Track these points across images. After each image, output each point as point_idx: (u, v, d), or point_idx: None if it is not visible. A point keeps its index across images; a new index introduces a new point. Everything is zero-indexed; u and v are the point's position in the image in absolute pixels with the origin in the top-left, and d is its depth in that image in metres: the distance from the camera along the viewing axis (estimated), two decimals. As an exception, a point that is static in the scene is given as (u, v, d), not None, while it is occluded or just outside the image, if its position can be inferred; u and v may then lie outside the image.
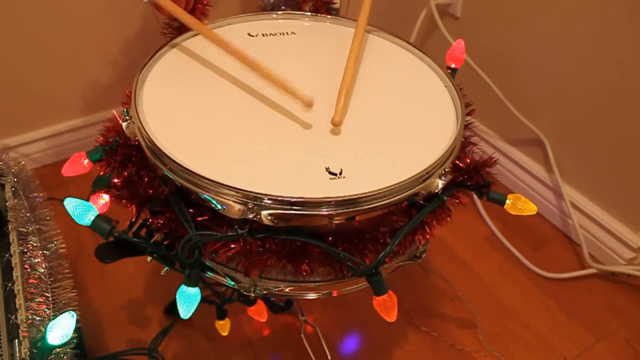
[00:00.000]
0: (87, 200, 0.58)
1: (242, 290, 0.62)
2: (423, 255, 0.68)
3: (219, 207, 0.52)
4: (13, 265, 0.65)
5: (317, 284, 0.61)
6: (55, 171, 1.12)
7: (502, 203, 0.60)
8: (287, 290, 0.62)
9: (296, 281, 0.61)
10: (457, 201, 0.59)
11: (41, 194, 0.77)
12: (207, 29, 0.70)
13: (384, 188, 0.52)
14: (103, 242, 0.58)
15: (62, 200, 0.53)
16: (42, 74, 1.18)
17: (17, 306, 0.61)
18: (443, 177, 0.57)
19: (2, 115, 1.19)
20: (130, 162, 0.59)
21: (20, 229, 0.69)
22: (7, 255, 0.65)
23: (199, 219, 0.55)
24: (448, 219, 0.60)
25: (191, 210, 0.55)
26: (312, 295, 0.64)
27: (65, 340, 0.56)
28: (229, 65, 0.69)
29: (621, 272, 1.11)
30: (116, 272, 1.05)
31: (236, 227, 0.53)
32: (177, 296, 0.54)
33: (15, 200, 0.72)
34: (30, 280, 0.64)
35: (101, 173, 0.61)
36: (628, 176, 1.07)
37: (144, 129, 0.57)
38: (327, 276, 0.57)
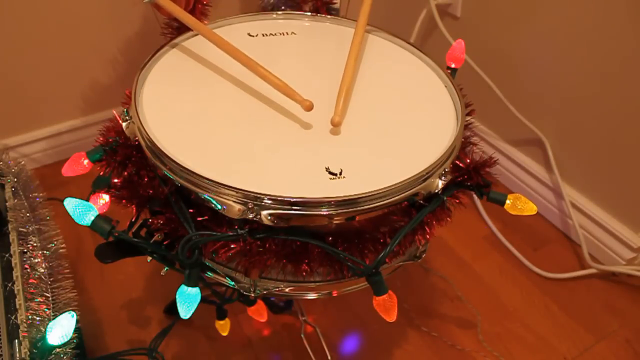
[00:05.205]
0: (87, 200, 0.58)
1: (242, 290, 0.62)
2: (423, 255, 0.68)
3: (219, 207, 0.52)
4: (13, 265, 0.65)
5: (317, 284, 0.61)
6: (55, 171, 1.12)
7: (502, 203, 0.60)
8: (287, 290, 0.62)
9: (296, 281, 0.61)
10: (457, 201, 0.59)
11: (41, 194, 0.77)
12: (207, 29, 0.70)
13: (384, 188, 0.52)
14: (103, 242, 0.58)
15: (62, 200, 0.53)
16: (42, 74, 1.18)
17: (17, 306, 0.61)
18: (443, 177, 0.57)
19: (2, 115, 1.19)
20: (130, 162, 0.59)
21: (20, 229, 0.69)
22: (7, 255, 0.65)
23: (199, 219, 0.55)
24: (448, 219, 0.60)
25: (191, 210, 0.55)
26: (312, 295, 0.64)
27: (65, 340, 0.56)
28: (229, 65, 0.69)
29: (621, 272, 1.11)
30: (116, 272, 1.05)
31: (236, 227, 0.53)
32: (177, 296, 0.54)
33: (15, 200, 0.72)
34: (30, 280, 0.64)
35: (101, 173, 0.61)
36: (628, 176, 1.07)
37: (144, 129, 0.57)
38: (327, 276, 0.57)
